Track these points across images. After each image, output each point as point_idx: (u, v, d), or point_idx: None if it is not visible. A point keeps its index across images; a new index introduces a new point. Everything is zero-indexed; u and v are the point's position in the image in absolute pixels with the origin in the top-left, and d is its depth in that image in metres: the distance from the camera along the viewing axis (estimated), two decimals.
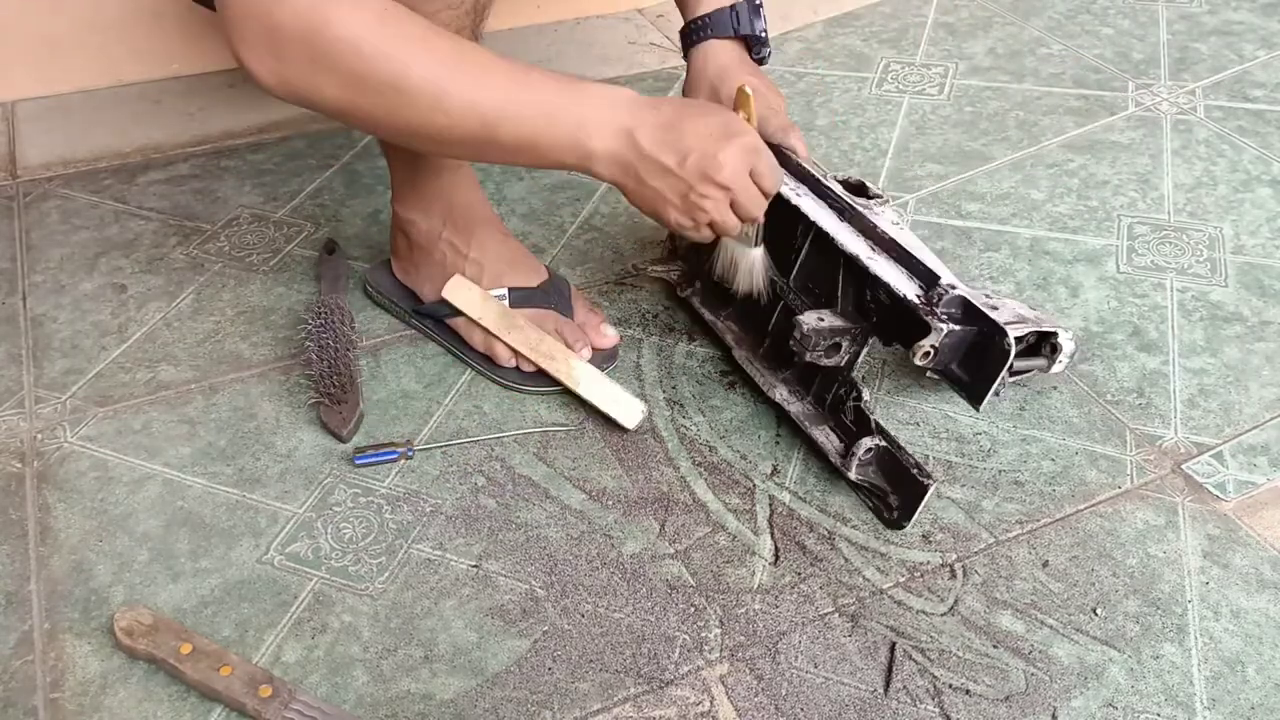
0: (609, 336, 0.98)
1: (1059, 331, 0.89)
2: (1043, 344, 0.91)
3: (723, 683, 0.74)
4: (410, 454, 0.88)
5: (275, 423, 0.92)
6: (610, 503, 0.86)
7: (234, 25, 0.71)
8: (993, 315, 0.81)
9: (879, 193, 0.92)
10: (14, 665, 0.74)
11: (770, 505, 0.86)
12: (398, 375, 0.96)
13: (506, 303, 0.95)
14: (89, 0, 1.28)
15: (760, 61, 0.98)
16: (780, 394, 0.92)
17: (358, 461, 0.87)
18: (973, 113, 1.34)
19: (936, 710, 0.73)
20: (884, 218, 0.89)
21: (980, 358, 0.82)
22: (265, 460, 0.89)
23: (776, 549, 0.83)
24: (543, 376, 0.94)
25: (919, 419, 0.94)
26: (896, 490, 0.84)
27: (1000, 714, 0.73)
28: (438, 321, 0.99)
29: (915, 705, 0.73)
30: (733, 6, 0.95)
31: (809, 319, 0.86)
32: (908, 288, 0.83)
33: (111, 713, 0.71)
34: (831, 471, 0.88)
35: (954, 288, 0.82)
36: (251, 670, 0.72)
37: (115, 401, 0.93)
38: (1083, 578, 0.81)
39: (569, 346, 0.95)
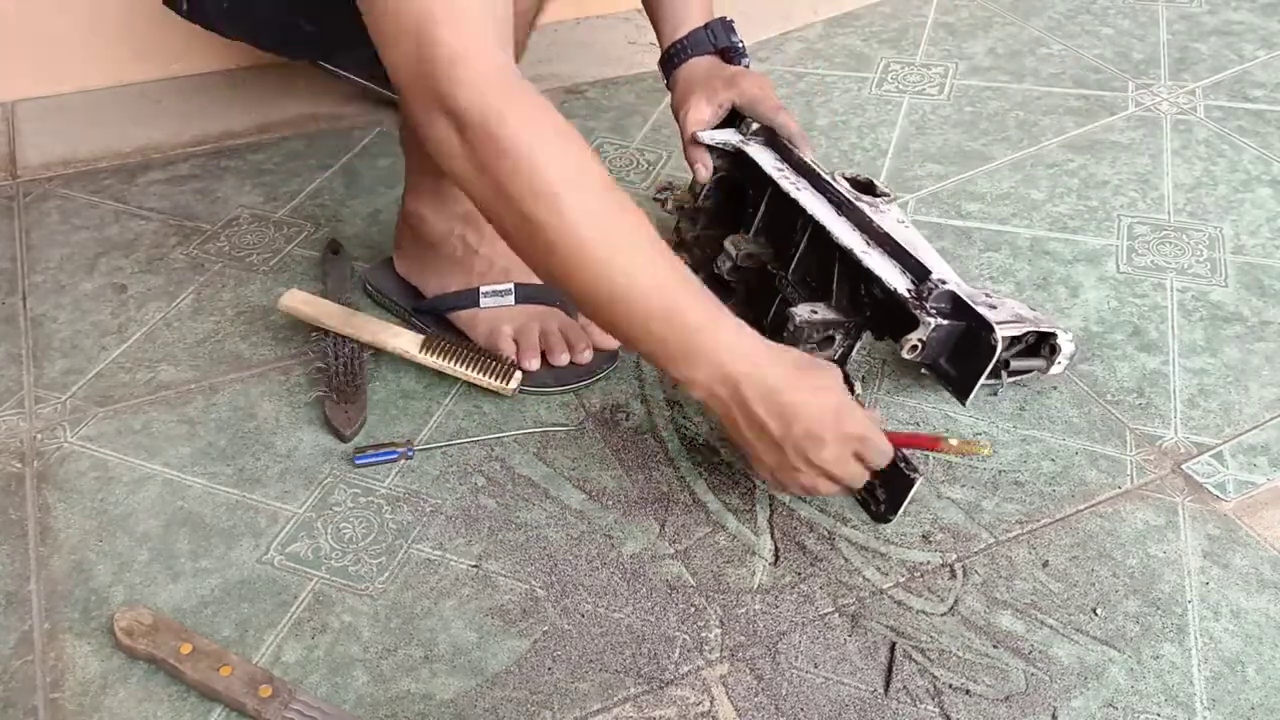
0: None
1: (1058, 332, 0.90)
2: (1042, 344, 0.91)
3: (723, 683, 0.74)
4: (410, 454, 0.88)
5: (275, 423, 0.92)
6: (610, 503, 0.86)
7: (412, 107, 0.70)
8: (988, 314, 0.81)
9: (886, 191, 0.93)
10: (14, 665, 0.74)
11: (770, 505, 0.86)
12: (398, 375, 0.96)
13: (513, 299, 0.96)
14: (89, 0, 1.28)
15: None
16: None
17: (358, 461, 0.87)
18: (973, 113, 1.34)
19: (936, 710, 0.73)
20: (889, 216, 0.89)
21: (968, 353, 0.83)
22: (265, 460, 0.89)
23: (776, 549, 0.83)
24: (547, 370, 0.95)
25: (919, 419, 0.94)
26: (884, 484, 0.84)
27: (1000, 714, 0.73)
28: (438, 318, 0.99)
29: (915, 705, 0.73)
30: (706, 25, 0.99)
31: (802, 311, 0.87)
32: (899, 281, 0.84)
33: (111, 713, 0.71)
34: None
35: (944, 283, 0.83)
36: (251, 670, 0.72)
37: (115, 401, 0.93)
38: (1083, 578, 0.81)
39: (571, 346, 0.95)
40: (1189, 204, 1.18)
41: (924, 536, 0.84)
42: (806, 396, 0.73)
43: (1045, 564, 0.82)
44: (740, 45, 1.00)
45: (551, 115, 0.71)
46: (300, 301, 0.96)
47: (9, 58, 1.29)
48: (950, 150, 1.28)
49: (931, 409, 0.95)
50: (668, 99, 1.39)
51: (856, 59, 1.46)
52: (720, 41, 0.99)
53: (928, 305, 0.82)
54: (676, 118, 1.00)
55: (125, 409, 0.93)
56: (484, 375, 0.92)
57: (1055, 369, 0.92)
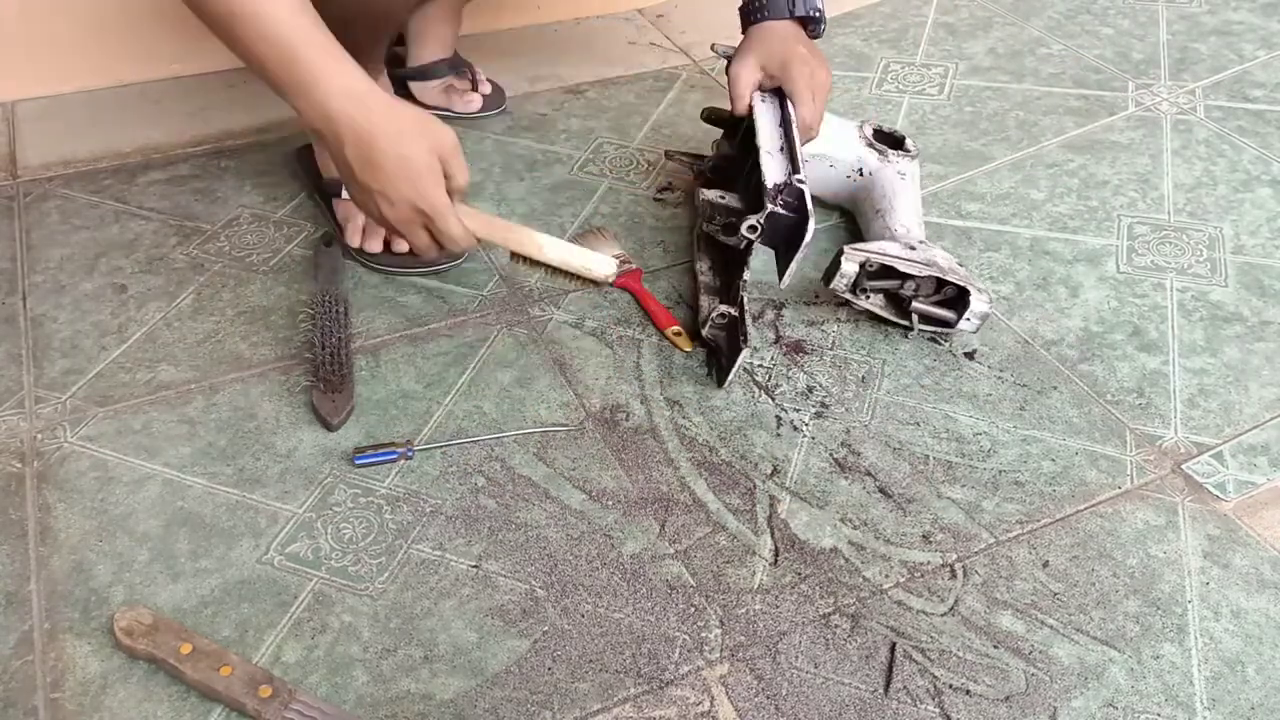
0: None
1: (972, 290, 0.96)
2: (961, 300, 0.97)
3: (723, 683, 0.74)
4: (410, 454, 0.88)
5: (275, 423, 0.92)
6: (610, 503, 0.86)
7: None
8: (811, 213, 0.92)
9: (910, 148, 1.10)
10: (14, 665, 0.74)
11: (770, 505, 0.86)
12: (398, 375, 0.96)
13: None
14: (89, 0, 1.28)
15: (815, 36, 1.05)
16: (701, 266, 1.06)
17: (357, 461, 0.87)
18: (973, 113, 1.34)
19: (936, 710, 0.73)
20: (894, 165, 1.04)
21: (795, 241, 0.93)
22: (265, 460, 0.89)
23: (776, 549, 0.83)
24: (411, 257, 1.04)
25: (919, 419, 0.94)
26: (729, 353, 0.95)
27: (1000, 714, 0.73)
28: (328, 201, 1.10)
29: (915, 705, 0.73)
30: None
31: (710, 193, 1.01)
32: (776, 177, 0.95)
33: (111, 713, 0.71)
34: (831, 471, 0.89)
35: (804, 182, 0.93)
36: (251, 670, 0.72)
37: (115, 401, 0.93)
38: (1083, 578, 0.81)
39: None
40: (1189, 204, 1.18)
41: (924, 536, 0.84)
42: (393, 157, 0.80)
43: (1045, 564, 0.82)
44: (819, 13, 1.03)
45: None
46: (482, 221, 0.93)
47: (9, 58, 1.28)
48: (950, 150, 1.28)
49: (931, 409, 0.95)
50: (668, 99, 1.39)
51: (856, 59, 1.46)
52: (798, 9, 1.03)
53: (779, 197, 0.94)
54: (728, 69, 1.05)
55: (125, 409, 0.93)
56: (578, 281, 0.98)
57: (964, 325, 0.98)
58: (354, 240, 1.07)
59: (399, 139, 0.80)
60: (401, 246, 1.05)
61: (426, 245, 0.87)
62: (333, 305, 0.99)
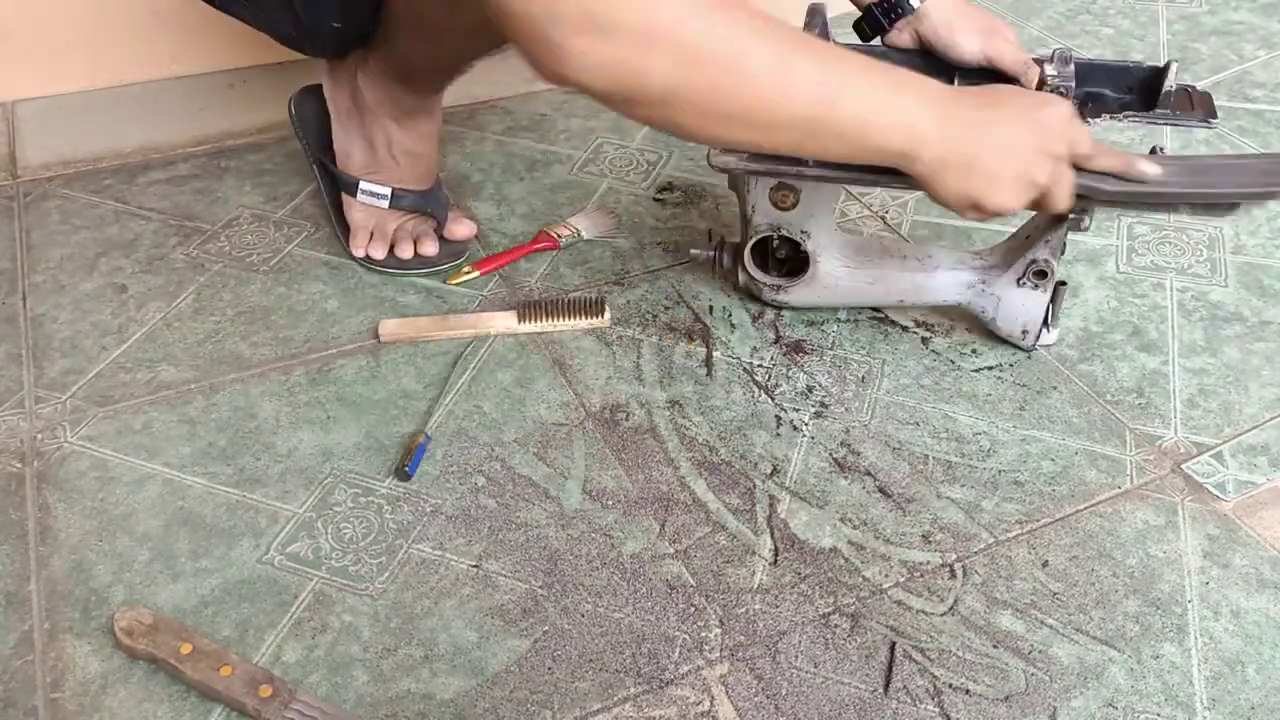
0: (465, 225, 1.09)
1: None
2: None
3: (723, 683, 0.74)
4: (428, 437, 0.90)
5: (275, 423, 0.92)
6: (610, 503, 0.86)
7: (543, 13, 0.64)
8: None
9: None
10: (14, 665, 0.74)
11: (770, 505, 0.86)
12: (398, 375, 0.96)
13: (387, 203, 1.05)
14: (89, 0, 1.28)
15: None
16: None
17: (411, 472, 0.87)
18: None
19: (936, 710, 0.73)
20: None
21: None
22: (265, 460, 0.89)
23: (776, 549, 0.83)
24: (416, 259, 1.06)
25: (919, 419, 0.94)
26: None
27: (1000, 714, 0.73)
28: (332, 183, 1.09)
29: (915, 705, 0.73)
30: None
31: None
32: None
33: (111, 713, 0.72)
34: (831, 471, 0.89)
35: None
36: (251, 670, 0.72)
37: (115, 401, 0.93)
38: (1083, 578, 0.81)
39: (417, 241, 1.07)
40: None
41: (924, 536, 0.84)
42: (1023, 111, 0.78)
43: (1045, 564, 0.82)
44: None
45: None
46: (396, 327, 1.00)
47: (9, 58, 1.28)
48: None
49: (931, 409, 0.95)
50: None
51: None
52: None
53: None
54: (936, 48, 0.97)
55: (125, 409, 0.93)
56: (581, 318, 1.02)
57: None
58: (359, 250, 1.07)
59: (1023, 109, 0.78)
60: (406, 253, 1.06)
61: (1067, 192, 0.81)
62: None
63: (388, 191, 1.04)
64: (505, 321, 1.01)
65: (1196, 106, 0.96)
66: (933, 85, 0.77)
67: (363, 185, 1.05)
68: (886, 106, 0.74)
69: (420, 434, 0.89)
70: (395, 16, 0.92)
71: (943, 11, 0.95)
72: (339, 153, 1.07)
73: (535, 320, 1.01)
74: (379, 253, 1.06)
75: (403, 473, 0.87)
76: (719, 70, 0.68)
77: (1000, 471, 0.89)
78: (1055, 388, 0.97)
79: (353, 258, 1.08)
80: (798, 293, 1.00)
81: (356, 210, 1.07)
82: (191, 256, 1.09)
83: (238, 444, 0.90)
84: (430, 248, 1.07)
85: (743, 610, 0.79)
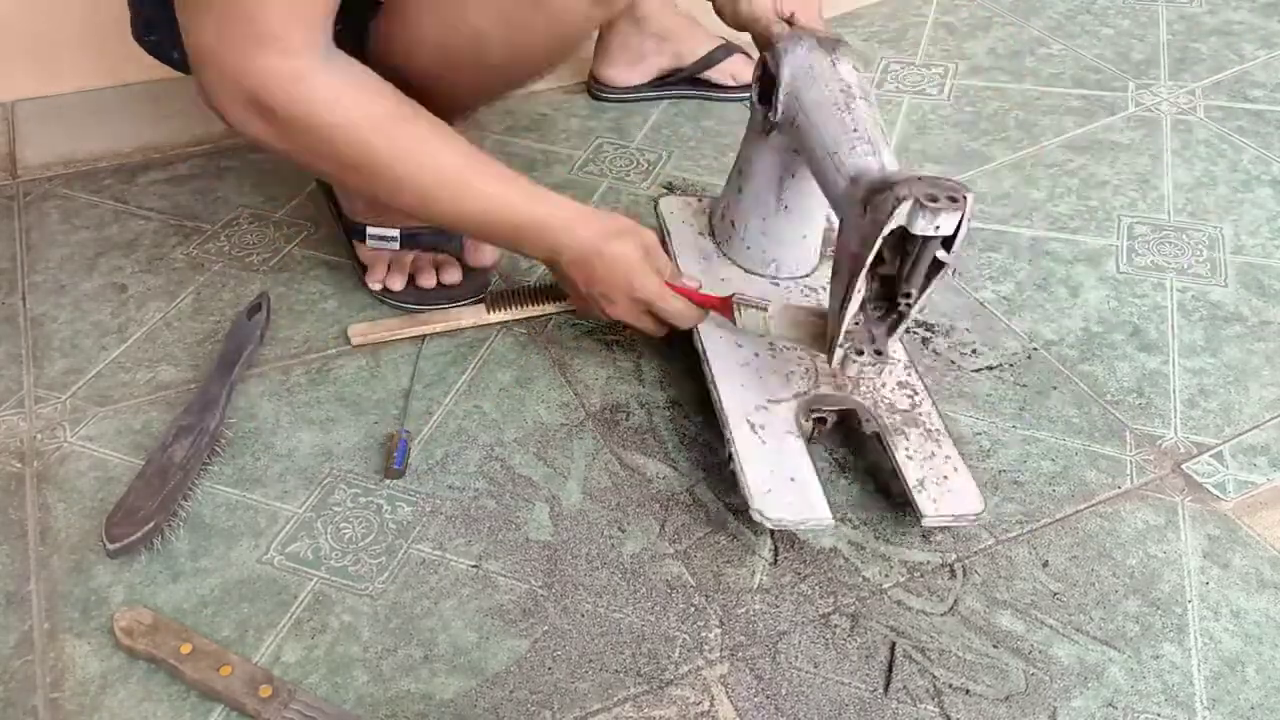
0: (486, 252, 1.05)
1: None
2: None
3: (723, 683, 0.74)
4: (405, 431, 0.90)
5: (275, 423, 0.92)
6: (610, 503, 0.86)
7: (210, 86, 0.77)
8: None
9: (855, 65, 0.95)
10: (14, 665, 0.74)
11: None
12: (398, 375, 0.96)
13: (398, 244, 1.02)
14: (89, 0, 1.28)
15: None
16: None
17: (398, 466, 0.87)
18: (973, 113, 1.34)
19: (936, 710, 0.73)
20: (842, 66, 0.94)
21: None
22: (265, 460, 0.89)
23: (776, 549, 0.83)
24: (435, 290, 1.02)
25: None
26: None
27: (1000, 714, 0.73)
28: (349, 233, 1.06)
29: (915, 705, 0.73)
30: None
31: None
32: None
33: (111, 713, 0.72)
34: (831, 471, 0.89)
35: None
36: (251, 670, 0.72)
37: (115, 401, 0.93)
38: (1083, 578, 0.81)
39: (438, 269, 1.04)
40: (1189, 204, 1.18)
41: (924, 536, 0.84)
42: (606, 261, 0.87)
43: (1045, 564, 0.82)
44: None
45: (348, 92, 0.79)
46: (366, 329, 1.00)
47: (9, 58, 1.28)
48: (950, 150, 1.28)
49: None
50: (668, 99, 1.38)
51: (857, 59, 1.46)
52: None
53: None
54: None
55: (125, 409, 0.93)
56: (550, 304, 1.02)
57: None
58: (376, 284, 1.03)
59: (610, 241, 0.87)
60: (428, 282, 1.02)
61: (655, 328, 0.92)
62: (203, 413, 0.89)
63: (396, 233, 1.01)
64: (474, 314, 1.01)
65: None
66: (565, 216, 0.87)
67: (370, 230, 1.01)
68: (517, 240, 0.88)
69: (396, 433, 0.89)
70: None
71: None
72: (341, 197, 1.05)
73: (504, 309, 1.01)
74: (397, 283, 1.02)
75: (392, 471, 0.87)
76: (375, 183, 0.83)
77: (1000, 471, 0.89)
78: (1055, 388, 0.97)
79: (371, 293, 1.04)
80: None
81: (368, 251, 1.04)
82: (191, 256, 1.09)
83: (237, 444, 0.90)
84: (453, 275, 1.03)
85: (743, 610, 0.79)
